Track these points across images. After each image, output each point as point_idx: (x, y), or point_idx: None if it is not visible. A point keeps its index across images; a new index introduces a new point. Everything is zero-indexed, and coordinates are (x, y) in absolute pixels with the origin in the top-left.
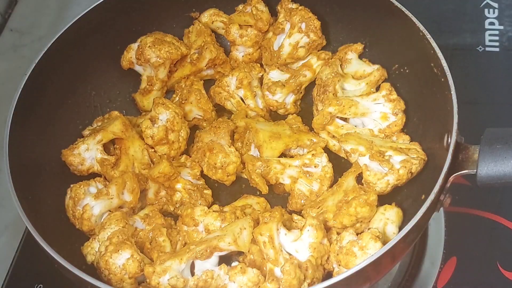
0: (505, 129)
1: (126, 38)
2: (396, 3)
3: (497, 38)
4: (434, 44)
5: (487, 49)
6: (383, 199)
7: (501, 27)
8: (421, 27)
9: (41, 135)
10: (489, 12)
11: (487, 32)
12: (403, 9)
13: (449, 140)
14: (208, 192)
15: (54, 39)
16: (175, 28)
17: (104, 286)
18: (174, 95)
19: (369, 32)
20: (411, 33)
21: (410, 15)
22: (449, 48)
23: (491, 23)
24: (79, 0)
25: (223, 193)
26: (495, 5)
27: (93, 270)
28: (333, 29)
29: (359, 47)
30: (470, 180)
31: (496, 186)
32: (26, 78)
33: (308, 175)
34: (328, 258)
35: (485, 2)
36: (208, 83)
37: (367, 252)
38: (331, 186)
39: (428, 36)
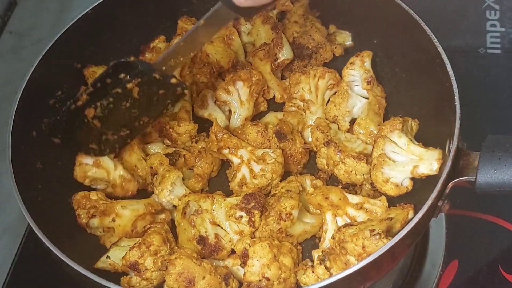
0: (506, 137)
1: (125, 39)
2: (405, 6)
3: (498, 40)
4: (440, 49)
5: (489, 51)
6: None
7: (503, 29)
8: (428, 30)
9: (43, 136)
10: (490, 14)
11: (489, 34)
12: (411, 12)
13: (450, 146)
14: None
15: (53, 41)
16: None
17: (113, 286)
18: None
19: (376, 35)
20: (418, 36)
21: (417, 18)
22: (450, 50)
23: (493, 25)
24: (79, 2)
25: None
26: (497, 7)
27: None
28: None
29: None
30: (471, 184)
31: (495, 194)
32: (26, 80)
33: (257, 163)
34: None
35: (486, 4)
36: None
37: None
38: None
39: (435, 40)
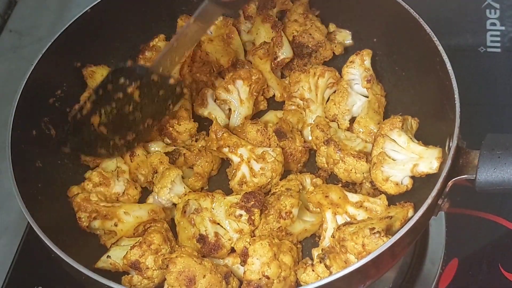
0: (506, 135)
1: (125, 38)
2: (404, 4)
3: (498, 38)
4: (440, 47)
5: (489, 49)
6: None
7: (503, 28)
8: (428, 29)
9: (43, 135)
10: (490, 13)
11: (489, 33)
12: (411, 10)
13: (450, 144)
14: None
15: (52, 41)
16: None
17: (114, 285)
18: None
19: (376, 33)
20: (418, 35)
21: (417, 16)
22: (450, 49)
23: (493, 24)
24: (79, 1)
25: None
26: (497, 5)
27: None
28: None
29: None
30: (471, 182)
31: (495, 192)
32: (26, 79)
33: (257, 162)
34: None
35: (486, 2)
36: None
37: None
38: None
39: (435, 38)
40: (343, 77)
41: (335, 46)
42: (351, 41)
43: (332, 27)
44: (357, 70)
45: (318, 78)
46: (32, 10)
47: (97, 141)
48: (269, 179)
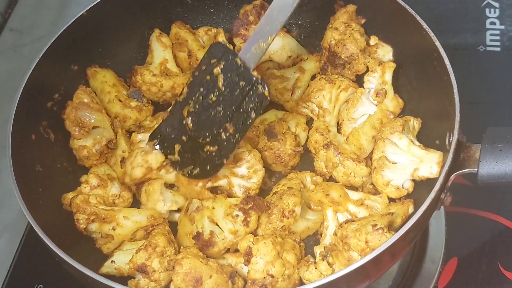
0: (507, 128)
1: (126, 37)
2: (400, 1)
3: (498, 37)
4: (437, 43)
5: (488, 48)
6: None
7: (502, 27)
8: (425, 25)
9: (42, 139)
10: (490, 12)
11: (488, 32)
12: (407, 7)
13: (451, 139)
14: None
15: (49, 44)
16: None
17: (119, 286)
18: None
19: (373, 30)
20: (415, 31)
21: (413, 12)
22: (450, 47)
23: (492, 23)
24: (79, 0)
25: None
26: (496, 4)
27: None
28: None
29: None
30: (470, 180)
31: (497, 186)
32: (24, 82)
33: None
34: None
35: (486, 1)
36: None
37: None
38: None
39: (431, 34)
40: (363, 84)
41: (369, 61)
42: (391, 58)
43: (374, 39)
44: (376, 80)
45: (340, 91)
46: (32, 9)
47: (179, 138)
48: (259, 182)
